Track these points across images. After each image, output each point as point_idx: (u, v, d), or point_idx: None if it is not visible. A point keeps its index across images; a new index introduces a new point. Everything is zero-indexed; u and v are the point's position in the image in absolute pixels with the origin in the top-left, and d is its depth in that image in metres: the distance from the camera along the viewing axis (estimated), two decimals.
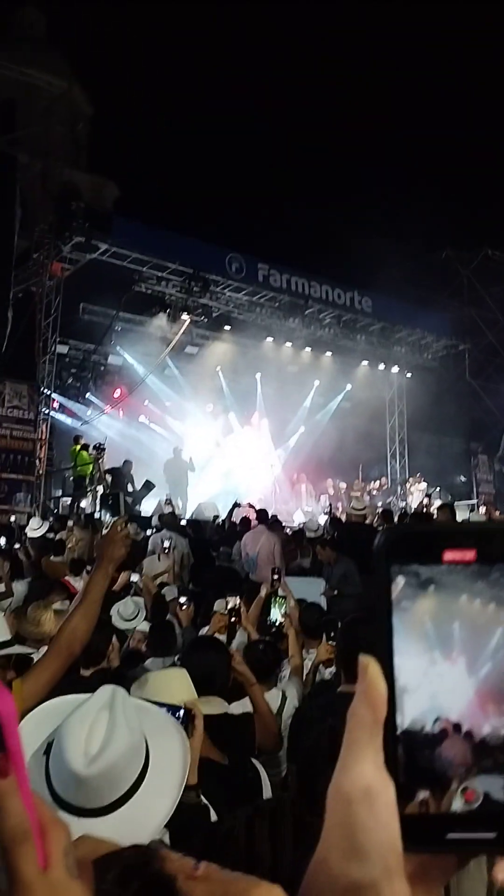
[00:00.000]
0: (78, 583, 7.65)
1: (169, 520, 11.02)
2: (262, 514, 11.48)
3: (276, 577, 6.27)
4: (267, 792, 2.83)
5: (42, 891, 0.54)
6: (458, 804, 0.49)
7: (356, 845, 0.48)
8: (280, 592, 5.81)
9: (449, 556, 0.50)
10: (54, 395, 17.32)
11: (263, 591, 6.46)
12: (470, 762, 0.49)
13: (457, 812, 0.49)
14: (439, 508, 11.23)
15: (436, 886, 0.51)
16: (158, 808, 1.71)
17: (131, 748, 1.69)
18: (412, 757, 0.49)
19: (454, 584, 0.50)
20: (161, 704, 2.09)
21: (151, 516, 12.33)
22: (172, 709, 2.14)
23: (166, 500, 13.15)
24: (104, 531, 3.00)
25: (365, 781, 0.48)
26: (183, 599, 6.28)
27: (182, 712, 2.18)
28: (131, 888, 0.95)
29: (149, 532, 10.99)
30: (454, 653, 0.50)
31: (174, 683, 2.61)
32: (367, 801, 0.48)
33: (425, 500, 16.89)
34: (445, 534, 0.51)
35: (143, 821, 1.67)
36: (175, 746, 1.84)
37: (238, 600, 4.78)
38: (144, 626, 6.02)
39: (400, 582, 0.50)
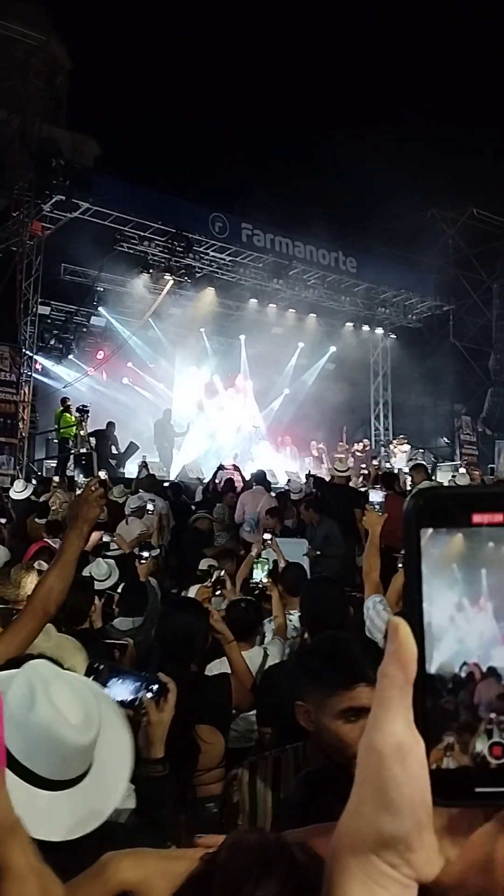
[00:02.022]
0: (56, 544, 7.68)
1: (148, 482, 11.01)
2: (259, 475, 11.48)
3: (269, 538, 6.37)
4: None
5: (33, 879, 0.55)
6: (486, 759, 0.51)
7: (388, 799, 0.50)
8: (263, 554, 5.85)
9: (477, 518, 0.52)
10: (36, 357, 17.15)
11: (255, 551, 6.57)
12: (498, 706, 0.51)
13: (485, 767, 0.50)
14: (413, 469, 11.25)
15: (461, 839, 0.52)
16: (117, 774, 1.71)
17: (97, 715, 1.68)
18: (440, 701, 0.51)
19: (482, 535, 0.52)
20: (137, 676, 2.06)
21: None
22: (149, 681, 2.09)
23: (142, 462, 13.16)
24: (78, 491, 2.98)
25: (397, 738, 0.50)
26: (145, 554, 6.31)
27: (157, 686, 2.11)
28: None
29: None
30: (482, 599, 0.51)
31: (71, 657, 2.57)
32: (399, 757, 0.50)
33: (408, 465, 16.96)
34: (474, 497, 0.52)
35: (107, 788, 1.67)
36: (113, 713, 1.82)
37: (222, 572, 4.79)
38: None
39: (428, 537, 0.52)
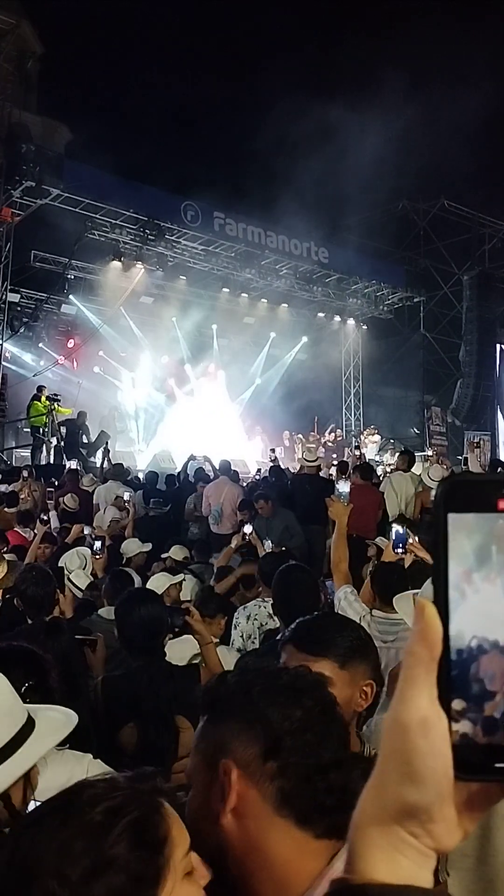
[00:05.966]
0: (27, 533, 7.68)
1: (115, 471, 10.96)
2: (224, 465, 11.45)
3: (249, 531, 6.47)
4: None
5: None
6: None
7: (412, 770, 0.53)
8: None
9: None
10: (6, 345, 16.98)
11: (234, 542, 6.64)
12: None
13: None
14: (400, 455, 11.27)
15: (478, 813, 0.55)
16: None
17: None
18: (463, 680, 0.53)
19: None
20: None
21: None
22: None
23: (105, 449, 13.10)
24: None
25: (422, 713, 0.53)
26: (97, 545, 6.33)
27: None
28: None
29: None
30: (493, 574, 0.53)
31: None
32: (424, 731, 0.52)
33: (378, 455, 17.10)
34: (501, 484, 0.54)
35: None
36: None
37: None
38: (82, 577, 6.02)
39: (455, 521, 0.54)
